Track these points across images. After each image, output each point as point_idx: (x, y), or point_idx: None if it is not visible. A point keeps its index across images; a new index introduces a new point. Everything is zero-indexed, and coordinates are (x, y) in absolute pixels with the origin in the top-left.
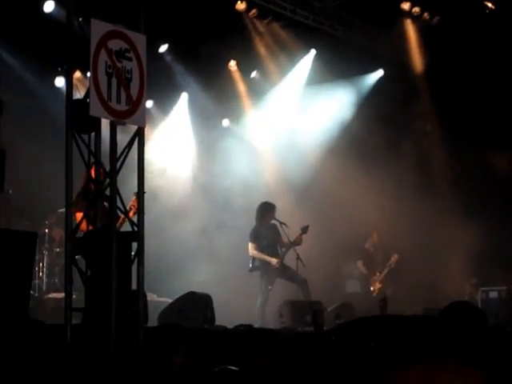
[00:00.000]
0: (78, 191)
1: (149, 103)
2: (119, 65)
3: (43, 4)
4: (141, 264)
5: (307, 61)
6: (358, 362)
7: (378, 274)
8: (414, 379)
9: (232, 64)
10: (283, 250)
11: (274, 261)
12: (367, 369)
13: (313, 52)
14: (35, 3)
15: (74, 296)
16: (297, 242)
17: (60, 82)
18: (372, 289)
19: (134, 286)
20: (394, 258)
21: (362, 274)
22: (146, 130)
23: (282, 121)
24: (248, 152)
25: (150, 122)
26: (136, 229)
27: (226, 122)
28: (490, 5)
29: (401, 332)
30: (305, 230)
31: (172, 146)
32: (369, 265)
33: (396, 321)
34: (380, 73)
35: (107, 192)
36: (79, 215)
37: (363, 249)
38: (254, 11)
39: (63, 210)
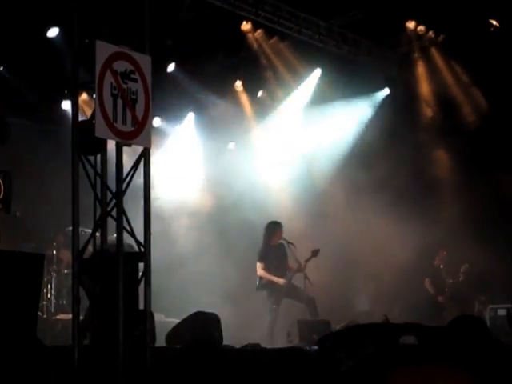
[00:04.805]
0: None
1: (156, 121)
2: (124, 86)
3: (47, 30)
4: (148, 284)
5: (312, 79)
6: (352, 368)
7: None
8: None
9: (238, 84)
10: (291, 272)
11: (281, 281)
12: (363, 373)
13: (318, 71)
14: (40, 29)
15: (81, 317)
16: (306, 265)
17: (66, 104)
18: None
19: (141, 306)
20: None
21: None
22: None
23: (288, 141)
24: (255, 172)
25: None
26: (143, 249)
27: (232, 145)
28: (494, 22)
29: (393, 339)
30: (315, 253)
31: (179, 166)
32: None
33: (390, 328)
34: (386, 91)
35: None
36: None
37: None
38: (259, 31)
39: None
